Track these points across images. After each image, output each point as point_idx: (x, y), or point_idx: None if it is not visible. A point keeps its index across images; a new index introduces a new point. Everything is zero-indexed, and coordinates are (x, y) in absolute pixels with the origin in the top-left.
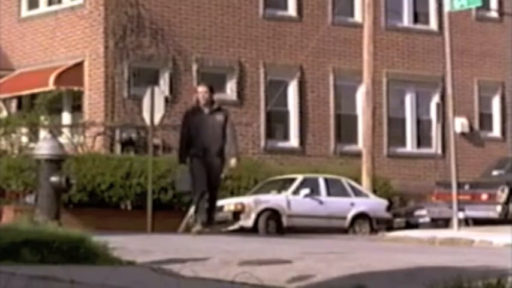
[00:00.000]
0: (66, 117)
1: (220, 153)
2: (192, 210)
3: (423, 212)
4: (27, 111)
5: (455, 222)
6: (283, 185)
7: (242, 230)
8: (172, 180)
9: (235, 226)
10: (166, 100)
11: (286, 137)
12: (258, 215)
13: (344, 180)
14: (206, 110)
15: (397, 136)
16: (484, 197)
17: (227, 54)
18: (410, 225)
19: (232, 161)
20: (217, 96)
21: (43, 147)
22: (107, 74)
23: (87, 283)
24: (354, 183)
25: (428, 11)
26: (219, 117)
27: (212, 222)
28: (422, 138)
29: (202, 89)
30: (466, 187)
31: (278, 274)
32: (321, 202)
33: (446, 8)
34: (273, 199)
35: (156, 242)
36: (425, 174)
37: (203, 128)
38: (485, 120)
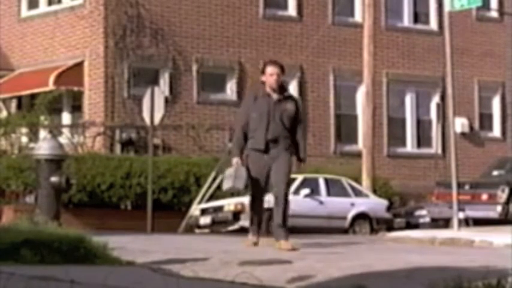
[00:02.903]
0: (66, 117)
1: (289, 146)
2: (192, 210)
3: (423, 212)
4: (27, 111)
5: (455, 222)
6: None
7: (242, 230)
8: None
9: (235, 226)
10: (166, 100)
11: None
12: None
13: (344, 180)
14: (275, 97)
15: (397, 136)
16: (484, 197)
17: (227, 54)
18: (411, 226)
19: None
20: (217, 96)
21: (43, 147)
22: (107, 74)
23: (86, 283)
24: (354, 183)
25: (428, 11)
26: (290, 106)
27: (286, 232)
28: (423, 138)
29: (274, 70)
30: (466, 187)
31: (278, 274)
32: (321, 202)
33: (447, 8)
34: (273, 199)
35: (156, 242)
36: (425, 174)
37: (269, 118)
38: (486, 120)
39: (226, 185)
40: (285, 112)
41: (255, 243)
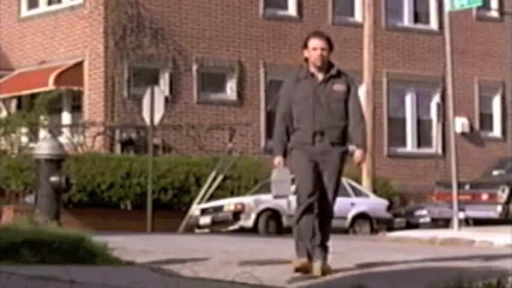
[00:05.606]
0: (66, 117)
1: (340, 140)
2: (192, 210)
3: (423, 212)
4: (27, 111)
5: (455, 222)
6: None
7: (242, 230)
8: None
9: (235, 226)
10: (166, 100)
11: None
12: (258, 215)
13: (344, 180)
14: (320, 76)
15: (397, 136)
16: (485, 197)
17: (227, 54)
18: (411, 225)
19: (358, 154)
20: (217, 96)
21: (43, 147)
22: (107, 74)
23: (86, 283)
24: (354, 183)
25: (428, 10)
26: (339, 86)
27: (326, 249)
28: (423, 138)
29: (318, 44)
30: (467, 187)
31: (278, 274)
32: None
33: (447, 8)
34: (273, 199)
35: (156, 242)
36: (425, 174)
37: (314, 103)
38: (486, 120)
39: (272, 192)
40: (332, 94)
41: (304, 269)
